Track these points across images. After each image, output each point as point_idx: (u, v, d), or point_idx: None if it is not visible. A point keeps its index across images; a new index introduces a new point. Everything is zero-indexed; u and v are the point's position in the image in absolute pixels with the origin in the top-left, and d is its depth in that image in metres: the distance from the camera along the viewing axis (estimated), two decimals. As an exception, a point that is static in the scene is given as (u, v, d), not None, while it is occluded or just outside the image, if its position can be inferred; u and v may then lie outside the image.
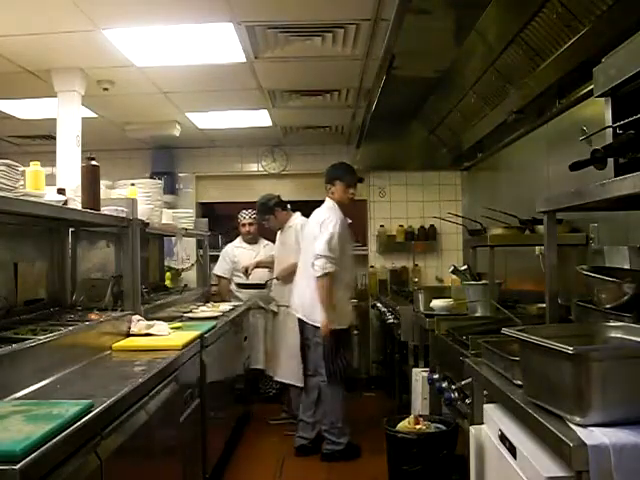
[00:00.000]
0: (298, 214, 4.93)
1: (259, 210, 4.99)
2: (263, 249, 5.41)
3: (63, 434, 1.44)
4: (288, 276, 4.59)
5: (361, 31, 3.42)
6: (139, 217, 3.25)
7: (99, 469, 1.62)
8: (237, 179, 6.79)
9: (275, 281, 4.94)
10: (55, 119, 4.07)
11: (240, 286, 5.26)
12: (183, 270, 5.91)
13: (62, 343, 2.23)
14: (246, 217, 5.40)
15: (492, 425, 1.76)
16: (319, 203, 4.27)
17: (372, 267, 6.41)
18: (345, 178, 4.20)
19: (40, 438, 1.35)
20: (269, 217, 4.91)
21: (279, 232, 4.98)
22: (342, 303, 4.07)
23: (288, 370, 4.51)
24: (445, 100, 4.09)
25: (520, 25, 2.67)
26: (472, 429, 1.92)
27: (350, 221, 4.19)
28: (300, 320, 4.12)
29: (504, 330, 1.68)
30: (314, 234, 4.03)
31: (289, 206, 4.99)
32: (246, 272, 5.13)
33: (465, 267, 3.65)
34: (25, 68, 3.92)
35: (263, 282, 5.07)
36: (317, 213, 4.20)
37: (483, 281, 3.39)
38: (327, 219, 4.00)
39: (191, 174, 6.84)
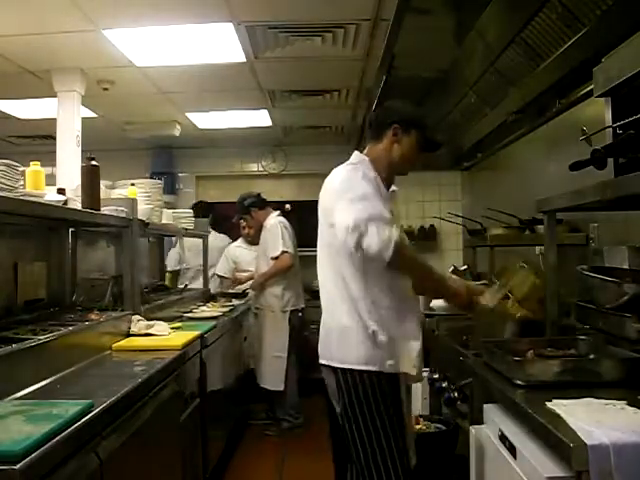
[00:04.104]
0: (274, 214, 4.65)
1: (237, 210, 4.83)
2: None
3: (63, 434, 1.44)
4: (260, 285, 4.55)
5: (361, 31, 3.42)
6: (139, 217, 3.25)
7: (99, 469, 1.62)
8: (237, 179, 6.79)
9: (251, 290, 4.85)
10: (55, 119, 4.07)
11: (220, 295, 5.17)
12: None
13: (62, 343, 2.23)
14: None
15: (492, 425, 1.76)
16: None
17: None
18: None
19: (40, 438, 1.35)
20: (246, 217, 4.75)
21: None
22: None
23: (266, 375, 4.50)
24: (445, 100, 4.09)
25: (520, 25, 2.66)
26: (472, 429, 1.92)
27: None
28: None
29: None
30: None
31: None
32: (235, 281, 5.15)
33: (465, 267, 3.66)
34: (25, 68, 3.92)
35: (241, 291, 5.01)
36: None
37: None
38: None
39: (191, 174, 6.84)
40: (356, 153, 2.22)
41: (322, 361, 2.17)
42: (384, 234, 1.85)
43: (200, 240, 5.13)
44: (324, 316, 2.21)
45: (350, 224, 1.86)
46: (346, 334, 2.06)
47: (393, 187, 2.25)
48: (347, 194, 1.96)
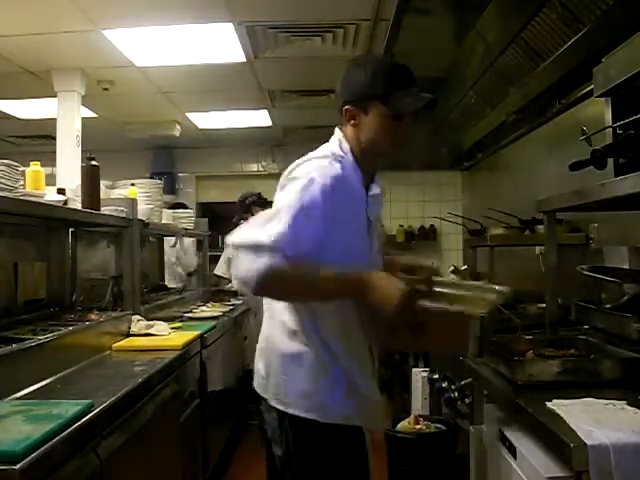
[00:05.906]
0: None
1: (237, 209, 4.69)
2: None
3: (63, 434, 1.44)
4: None
5: (361, 31, 3.42)
6: (139, 217, 3.25)
7: (99, 469, 1.62)
8: (237, 179, 6.79)
9: None
10: (55, 119, 4.07)
11: (219, 293, 5.14)
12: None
13: (62, 343, 2.23)
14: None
15: (492, 425, 1.76)
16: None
17: (372, 267, 6.42)
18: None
19: (40, 438, 1.35)
20: (247, 216, 4.58)
21: None
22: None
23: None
24: (445, 100, 4.09)
25: (520, 25, 2.67)
26: (472, 429, 1.92)
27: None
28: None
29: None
30: None
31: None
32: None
33: (465, 267, 3.65)
34: (25, 68, 3.92)
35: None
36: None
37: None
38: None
39: (191, 174, 6.84)
40: (340, 135, 1.69)
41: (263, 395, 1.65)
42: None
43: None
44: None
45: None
46: (287, 364, 1.58)
47: (376, 189, 1.69)
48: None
